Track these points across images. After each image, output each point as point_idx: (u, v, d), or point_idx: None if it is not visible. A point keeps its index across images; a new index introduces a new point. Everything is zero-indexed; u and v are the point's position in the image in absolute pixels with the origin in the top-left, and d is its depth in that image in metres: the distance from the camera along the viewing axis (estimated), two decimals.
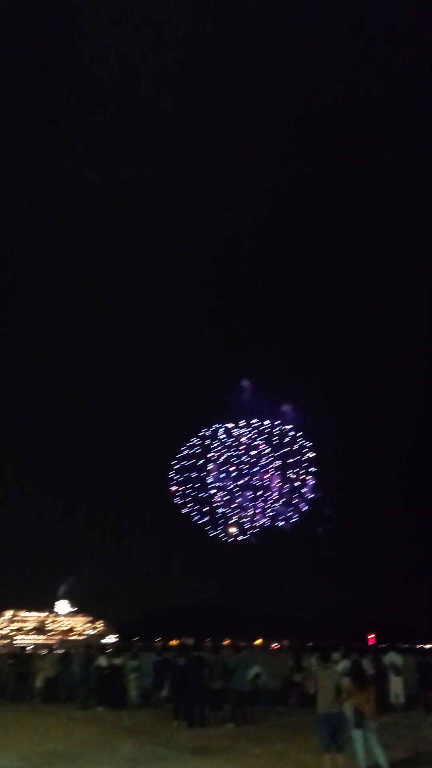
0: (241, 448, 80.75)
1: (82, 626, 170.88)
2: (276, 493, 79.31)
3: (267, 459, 79.82)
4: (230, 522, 77.96)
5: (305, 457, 79.88)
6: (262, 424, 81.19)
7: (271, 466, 79.44)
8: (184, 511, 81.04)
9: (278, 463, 79.80)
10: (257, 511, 79.14)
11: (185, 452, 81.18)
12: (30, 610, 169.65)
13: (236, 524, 77.93)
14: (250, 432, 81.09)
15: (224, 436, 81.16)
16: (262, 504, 79.37)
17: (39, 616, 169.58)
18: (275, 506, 79.15)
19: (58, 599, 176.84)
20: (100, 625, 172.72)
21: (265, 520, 79.63)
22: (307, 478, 79.53)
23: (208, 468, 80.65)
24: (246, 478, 79.51)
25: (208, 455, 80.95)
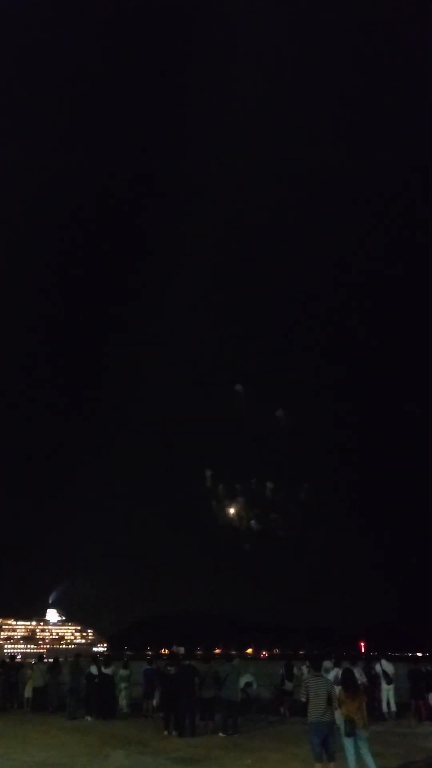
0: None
1: (71, 635, 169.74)
2: (269, 501, 79.31)
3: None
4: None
5: (299, 463, 79.99)
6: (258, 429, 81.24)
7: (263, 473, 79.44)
8: (175, 519, 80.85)
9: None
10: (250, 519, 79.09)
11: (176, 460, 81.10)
12: (19, 619, 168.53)
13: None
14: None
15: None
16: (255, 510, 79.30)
17: (28, 625, 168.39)
18: (269, 514, 79.17)
19: (47, 608, 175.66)
20: (89, 634, 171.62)
21: (258, 527, 79.58)
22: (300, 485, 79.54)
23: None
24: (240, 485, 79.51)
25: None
